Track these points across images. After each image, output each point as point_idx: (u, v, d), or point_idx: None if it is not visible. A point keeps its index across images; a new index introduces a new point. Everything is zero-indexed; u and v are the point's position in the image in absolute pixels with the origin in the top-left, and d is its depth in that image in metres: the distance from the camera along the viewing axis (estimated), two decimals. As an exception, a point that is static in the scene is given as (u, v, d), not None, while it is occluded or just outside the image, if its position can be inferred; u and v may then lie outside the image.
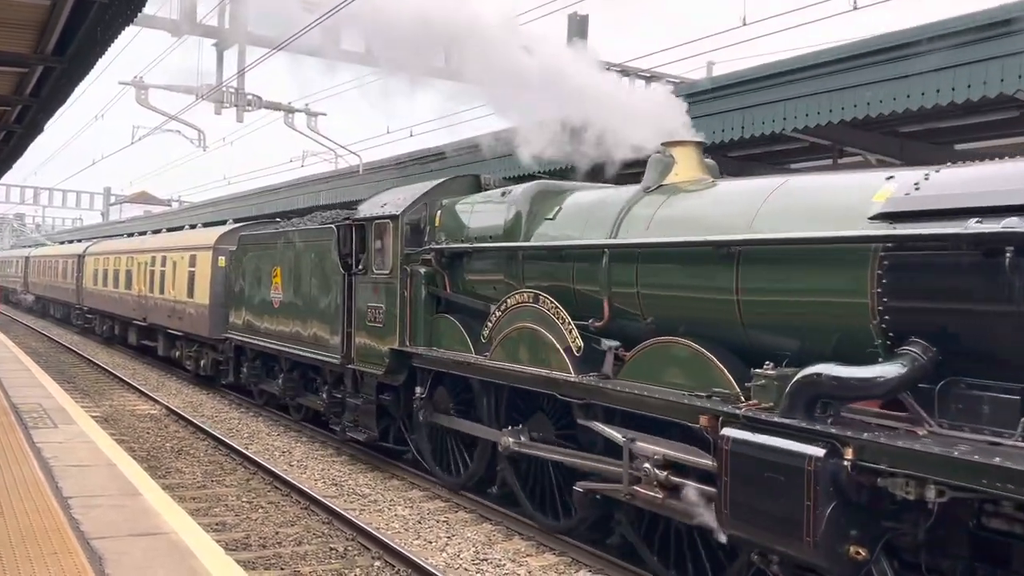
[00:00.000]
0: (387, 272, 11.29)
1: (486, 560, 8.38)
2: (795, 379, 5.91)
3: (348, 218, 12.71)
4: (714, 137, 10.69)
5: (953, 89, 8.59)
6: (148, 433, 14.57)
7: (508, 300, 9.18)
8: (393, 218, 11.18)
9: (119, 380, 20.92)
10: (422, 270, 10.90)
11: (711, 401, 6.61)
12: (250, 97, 22.67)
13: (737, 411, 6.24)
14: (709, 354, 6.92)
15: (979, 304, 5.37)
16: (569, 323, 8.29)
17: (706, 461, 6.65)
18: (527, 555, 8.60)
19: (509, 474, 9.48)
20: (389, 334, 11.18)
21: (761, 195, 7.08)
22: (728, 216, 7.13)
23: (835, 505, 5.50)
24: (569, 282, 8.67)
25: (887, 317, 5.80)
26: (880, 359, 5.80)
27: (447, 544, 8.86)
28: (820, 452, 5.56)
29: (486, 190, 11.37)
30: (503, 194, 9.91)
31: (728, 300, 6.94)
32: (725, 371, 6.77)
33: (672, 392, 7.00)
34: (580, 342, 8.14)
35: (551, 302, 8.54)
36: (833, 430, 5.62)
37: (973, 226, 5.27)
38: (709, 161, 8.57)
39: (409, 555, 8.12)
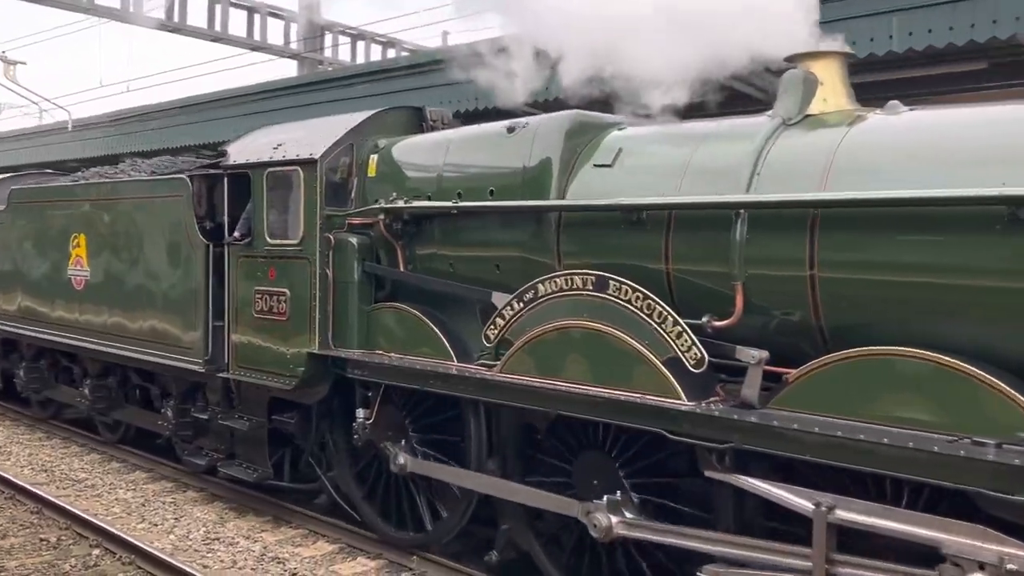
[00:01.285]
0: (295, 243, 7.82)
1: (218, 539, 8.11)
2: None
3: (213, 165, 8.99)
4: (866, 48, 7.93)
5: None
6: None
7: (540, 286, 6.14)
8: (307, 164, 7.70)
9: None
10: (354, 240, 7.58)
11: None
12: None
13: None
14: (983, 374, 4.37)
15: None
16: (675, 322, 5.42)
17: None
18: (262, 530, 8.34)
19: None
20: (298, 331, 7.76)
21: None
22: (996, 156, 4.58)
23: None
24: (658, 260, 5.79)
25: None
26: None
27: (175, 526, 8.53)
28: None
29: (434, 129, 8.19)
30: (510, 130, 6.78)
31: (989, 288, 4.43)
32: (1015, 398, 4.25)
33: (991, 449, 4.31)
34: (700, 352, 5.32)
35: (635, 290, 5.63)
36: None
37: None
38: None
39: (131, 540, 7.73)
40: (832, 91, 5.63)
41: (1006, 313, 4.48)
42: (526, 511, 6.55)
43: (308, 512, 8.53)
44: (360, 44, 25.81)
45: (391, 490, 7.65)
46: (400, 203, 7.24)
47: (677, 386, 5.35)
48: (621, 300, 5.68)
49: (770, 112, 5.75)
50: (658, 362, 5.44)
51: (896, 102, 5.35)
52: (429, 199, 7.15)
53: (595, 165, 6.22)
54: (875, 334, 4.85)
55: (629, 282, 5.65)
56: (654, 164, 6.02)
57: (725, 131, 5.87)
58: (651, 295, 5.55)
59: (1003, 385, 4.32)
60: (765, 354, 5.15)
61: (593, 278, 5.84)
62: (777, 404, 5.07)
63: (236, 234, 8.54)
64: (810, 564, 4.78)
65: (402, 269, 7.44)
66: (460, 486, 6.95)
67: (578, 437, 6.21)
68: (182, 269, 9.22)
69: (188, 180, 9.15)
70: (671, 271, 5.71)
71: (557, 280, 6.04)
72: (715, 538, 5.30)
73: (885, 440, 4.46)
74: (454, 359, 6.82)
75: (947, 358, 4.48)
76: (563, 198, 6.29)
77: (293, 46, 25.02)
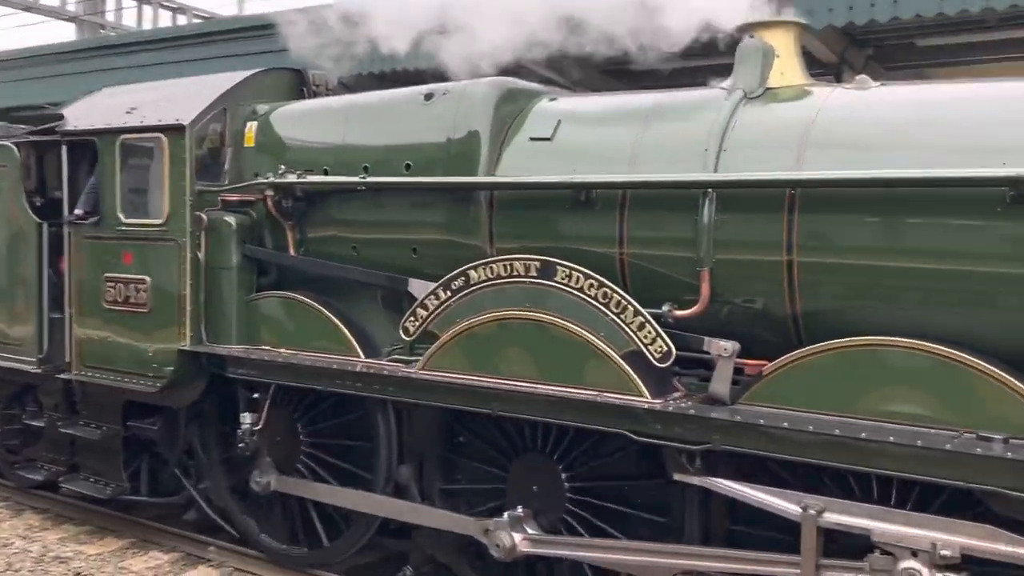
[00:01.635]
0: (159, 223, 6.75)
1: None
2: None
3: (47, 131, 7.66)
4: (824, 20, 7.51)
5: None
6: None
7: (471, 273, 5.49)
8: (173, 131, 6.63)
9: None
10: (232, 220, 6.63)
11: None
12: None
13: None
14: (986, 366, 4.15)
15: None
16: (636, 312, 4.93)
17: None
18: (42, 529, 7.80)
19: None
20: (164, 325, 6.72)
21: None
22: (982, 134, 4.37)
23: None
24: (610, 245, 5.26)
25: None
26: None
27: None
28: None
29: (317, 94, 7.32)
30: (427, 97, 6.02)
31: (998, 274, 4.22)
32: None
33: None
34: (666, 345, 4.86)
35: (588, 276, 5.09)
36: None
37: None
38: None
39: None
40: (788, 64, 5.29)
41: (1005, 300, 4.27)
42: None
43: (171, 530, 7.53)
44: (147, 8, 23.93)
45: (277, 503, 6.79)
46: (291, 177, 6.35)
47: (639, 382, 4.87)
48: (571, 288, 5.13)
49: (723, 84, 5.35)
50: (616, 356, 4.94)
51: (865, 77, 5.06)
52: (326, 173, 6.31)
53: (532, 139, 5.61)
54: (858, 323, 4.56)
55: (581, 268, 5.11)
56: (601, 139, 5.47)
57: (679, 104, 5.41)
58: (607, 283, 5.03)
59: (1008, 377, 4.11)
60: (738, 346, 4.76)
61: (538, 264, 5.25)
62: (749, 400, 4.69)
63: (78, 212, 7.33)
64: (797, 571, 4.45)
65: (292, 253, 6.56)
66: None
67: (512, 440, 5.63)
68: (7, 252, 7.86)
69: (15, 148, 7.78)
70: (625, 256, 5.21)
71: (493, 266, 5.40)
72: (664, 550, 4.88)
73: (891, 438, 4.16)
74: (360, 354, 6.05)
75: (946, 349, 4.23)
76: (494, 174, 5.65)
77: (71, 8, 22.98)
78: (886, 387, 4.36)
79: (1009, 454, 3.92)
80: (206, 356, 6.64)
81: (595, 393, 4.96)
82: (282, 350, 6.39)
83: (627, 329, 4.95)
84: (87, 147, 7.24)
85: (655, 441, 4.83)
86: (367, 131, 6.23)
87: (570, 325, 5.07)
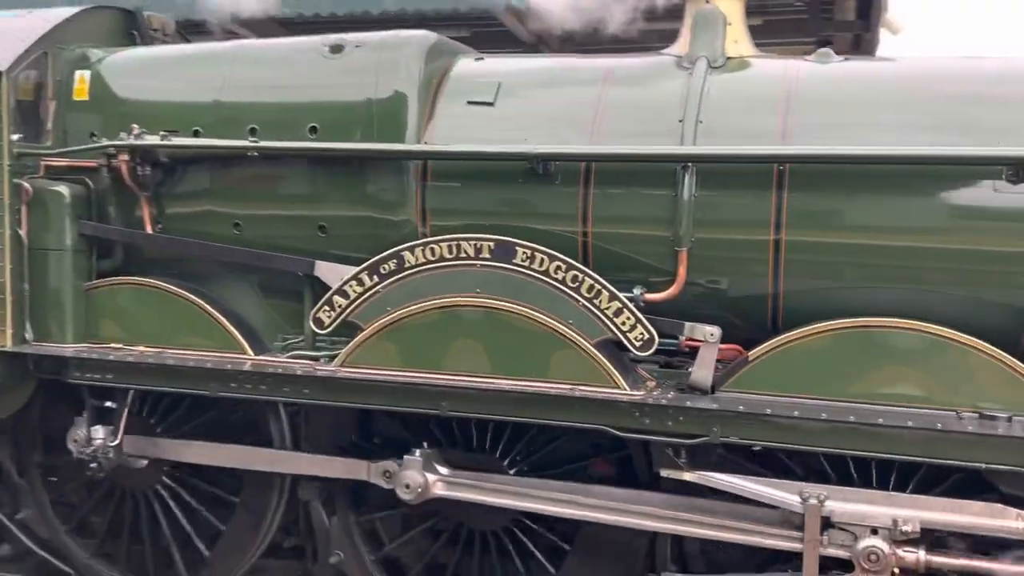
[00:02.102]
0: (-44, 192, 5.35)
1: None
2: None
3: None
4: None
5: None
6: None
7: (407, 255, 4.77)
8: (-19, 77, 5.25)
9: None
10: (65, 190, 5.38)
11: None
12: None
13: None
14: (983, 344, 4.17)
15: None
16: (612, 297, 4.50)
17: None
18: None
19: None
20: None
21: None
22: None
23: None
24: (571, 223, 4.75)
25: None
26: None
27: None
28: None
29: (156, 41, 6.14)
30: (335, 50, 5.12)
31: (997, 253, 4.26)
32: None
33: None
34: (648, 332, 4.47)
35: (554, 258, 4.57)
36: None
37: None
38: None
39: None
40: (740, 33, 5.06)
41: (999, 279, 4.31)
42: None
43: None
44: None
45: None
46: (152, 138, 5.23)
47: (616, 373, 4.46)
48: (535, 271, 4.60)
49: (673, 51, 5.01)
50: (589, 345, 4.49)
51: (828, 50, 4.93)
52: (197, 135, 5.26)
53: (470, 102, 4.96)
54: (847, 303, 4.44)
55: (544, 248, 4.59)
56: (552, 105, 4.94)
57: (636, 71, 4.99)
58: (577, 264, 4.55)
59: (1002, 354, 4.15)
60: (716, 329, 4.48)
61: (491, 244, 4.65)
62: (734, 387, 4.44)
63: None
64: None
65: (149, 230, 5.44)
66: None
67: (444, 439, 5.03)
68: None
69: None
70: (589, 235, 4.74)
71: (435, 247, 4.73)
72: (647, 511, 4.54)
73: (909, 423, 4.07)
74: (249, 351, 5.14)
75: (943, 329, 4.20)
76: (425, 141, 4.94)
77: None
78: (880, 368, 4.28)
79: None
80: (34, 358, 5.36)
81: (570, 387, 4.49)
82: (141, 348, 5.29)
83: (602, 316, 4.51)
84: None
85: (640, 437, 4.44)
86: (254, 86, 5.25)
87: (532, 313, 4.54)
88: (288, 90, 5.18)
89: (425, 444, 4.94)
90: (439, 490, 4.81)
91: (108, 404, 5.36)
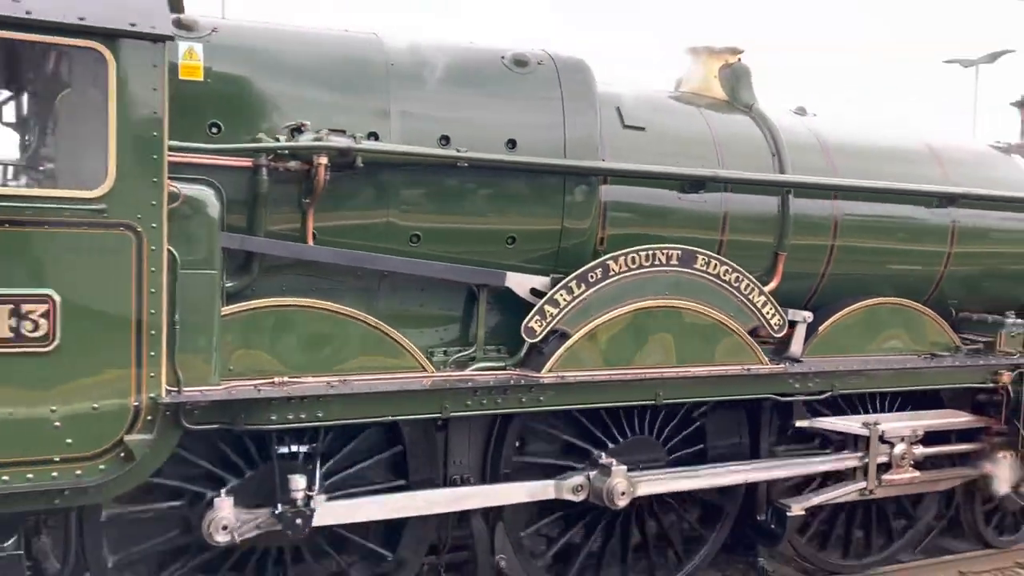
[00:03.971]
0: (92, 195, 3.91)
1: None
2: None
3: None
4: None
5: None
6: None
7: (611, 264, 5.21)
8: (135, 40, 3.91)
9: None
10: (211, 196, 4.34)
11: (1007, 358, 6.50)
12: None
13: (1046, 360, 6.58)
14: (928, 311, 6.53)
15: None
16: (760, 292, 5.70)
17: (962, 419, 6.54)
18: None
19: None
20: (92, 370, 3.97)
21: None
22: (919, 163, 6.65)
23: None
24: (715, 231, 5.71)
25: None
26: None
27: None
28: None
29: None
30: (521, 64, 5.03)
31: (940, 253, 6.63)
32: (946, 327, 6.61)
33: (949, 358, 6.33)
34: (782, 317, 5.78)
35: (723, 263, 5.56)
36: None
37: None
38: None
39: None
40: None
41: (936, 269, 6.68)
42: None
43: None
44: None
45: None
46: (333, 139, 4.56)
47: (761, 353, 5.72)
48: (709, 274, 5.53)
49: (725, 99, 6.28)
50: (742, 332, 5.65)
51: (803, 107, 6.71)
52: (376, 138, 4.75)
53: (627, 126, 5.51)
54: (858, 291, 6.37)
55: (716, 255, 5.56)
56: (679, 134, 5.77)
57: (717, 109, 6.11)
58: (739, 268, 5.63)
59: (934, 317, 6.55)
60: (808, 314, 6.03)
61: (678, 252, 5.43)
62: (813, 353, 6.06)
63: None
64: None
65: (311, 243, 4.69)
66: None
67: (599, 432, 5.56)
68: None
69: None
70: (725, 241, 5.79)
71: (636, 256, 5.30)
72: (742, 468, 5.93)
73: (933, 364, 6.21)
74: (430, 368, 4.94)
75: (910, 302, 6.44)
76: (604, 159, 5.35)
77: None
78: (882, 331, 6.33)
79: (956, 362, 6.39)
80: (185, 407, 4.24)
81: (744, 367, 5.58)
82: (309, 379, 4.60)
83: (753, 307, 5.69)
84: None
85: (791, 398, 5.77)
86: (431, 94, 4.92)
87: (706, 309, 5.50)
88: (481, 101, 5.03)
89: (602, 453, 5.40)
90: (643, 490, 5.40)
91: (298, 450, 4.53)
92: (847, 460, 6.15)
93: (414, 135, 4.85)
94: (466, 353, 5.19)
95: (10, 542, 4.10)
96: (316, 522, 4.54)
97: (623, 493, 5.27)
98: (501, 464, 5.26)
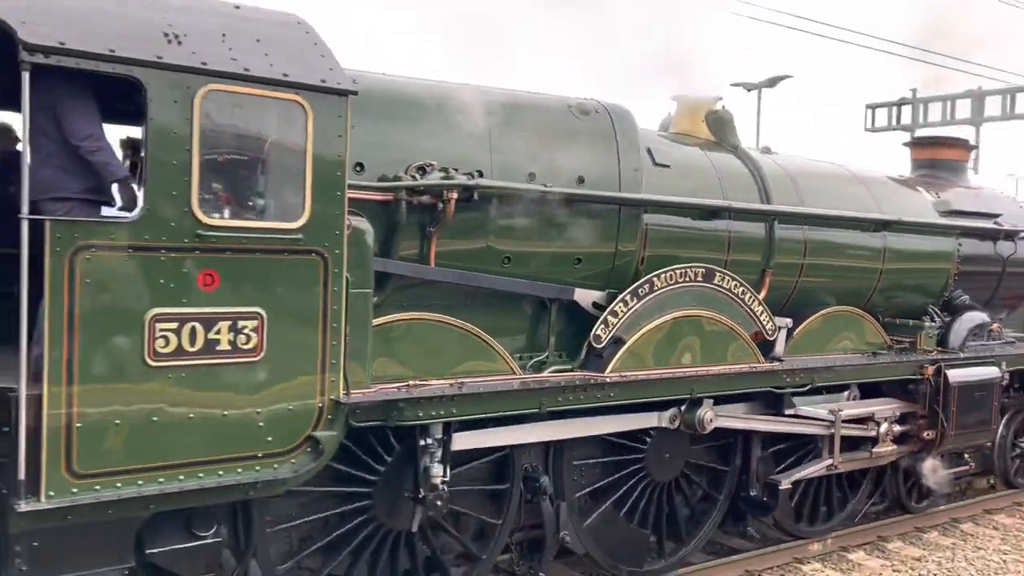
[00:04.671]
0: (292, 226, 4.57)
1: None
2: (975, 326, 8.39)
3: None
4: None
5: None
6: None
7: (656, 280, 6.25)
8: (327, 97, 4.60)
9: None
10: (367, 226, 5.06)
11: (929, 354, 7.98)
12: None
13: (958, 357, 8.11)
14: (868, 316, 7.95)
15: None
16: (759, 302, 6.89)
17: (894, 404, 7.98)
18: None
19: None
20: (289, 375, 4.63)
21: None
22: (857, 193, 8.07)
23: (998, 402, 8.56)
24: (722, 252, 6.84)
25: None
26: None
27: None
28: (998, 371, 8.46)
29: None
30: (583, 112, 5.97)
31: (875, 269, 8.05)
32: (880, 329, 8.05)
33: (887, 356, 7.75)
34: (773, 323, 6.99)
35: (733, 278, 6.70)
36: (999, 352, 8.58)
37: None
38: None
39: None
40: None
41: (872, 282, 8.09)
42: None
43: None
44: None
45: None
46: (459, 177, 5.39)
47: (760, 354, 6.91)
48: (723, 288, 6.67)
49: (715, 140, 7.47)
50: (745, 336, 6.82)
51: (767, 146, 7.99)
52: (480, 175, 5.58)
53: (656, 164, 6.56)
54: (815, 300, 7.69)
55: (728, 272, 6.70)
56: (695, 171, 6.88)
57: (713, 149, 7.27)
58: (744, 283, 6.80)
59: (873, 321, 7.99)
60: (789, 320, 7.26)
61: (703, 270, 6.54)
62: (789, 353, 7.32)
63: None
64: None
65: (432, 264, 5.46)
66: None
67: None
68: None
69: None
70: (729, 260, 6.93)
71: (672, 273, 6.36)
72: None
73: (882, 361, 7.60)
74: (517, 370, 5.83)
75: (857, 310, 7.85)
76: (642, 192, 6.37)
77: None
78: (836, 333, 7.70)
79: (895, 359, 7.84)
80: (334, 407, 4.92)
81: (749, 366, 6.74)
82: (434, 381, 5.39)
83: (755, 315, 6.87)
84: (84, 82, 4.06)
85: (781, 390, 6.97)
86: (520, 137, 5.80)
87: (718, 316, 6.63)
88: (557, 144, 5.94)
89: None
90: (719, 423, 6.54)
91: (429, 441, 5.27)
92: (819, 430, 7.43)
93: (509, 172, 5.73)
94: (539, 358, 6.07)
95: (211, 531, 4.65)
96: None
97: (711, 420, 6.39)
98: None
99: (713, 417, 6.44)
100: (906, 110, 13.85)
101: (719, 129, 7.56)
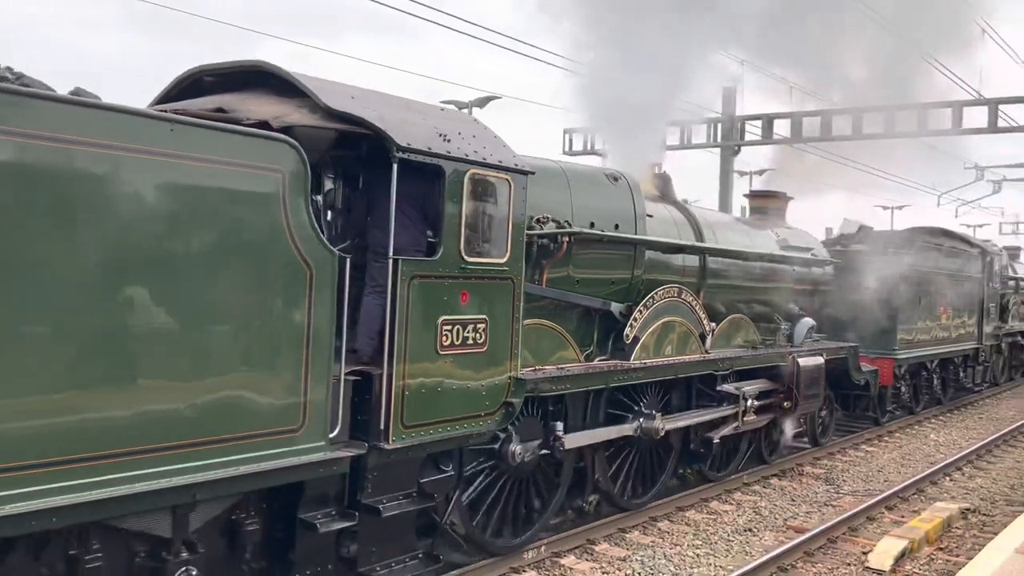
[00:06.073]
0: (501, 261, 6.93)
1: None
2: (807, 328, 11.96)
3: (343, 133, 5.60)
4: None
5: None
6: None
7: (656, 295, 9.06)
8: (519, 175, 7.01)
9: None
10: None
11: (784, 348, 11.38)
12: None
13: (800, 349, 11.60)
14: (749, 320, 11.26)
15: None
16: (703, 309, 9.91)
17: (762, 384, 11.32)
18: None
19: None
20: (497, 361, 7.00)
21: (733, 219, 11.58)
22: (742, 234, 11.35)
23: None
24: (681, 275, 9.76)
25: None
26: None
27: None
28: (823, 360, 12.09)
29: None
30: (614, 179, 8.66)
31: (761, 287, 11.38)
32: (755, 331, 11.39)
33: (769, 348, 11.08)
34: (712, 326, 10.03)
35: (690, 294, 9.66)
36: (822, 346, 12.22)
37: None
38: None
39: None
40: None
41: (755, 295, 11.39)
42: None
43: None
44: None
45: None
46: (564, 226, 7.94)
47: (702, 346, 9.95)
48: (685, 301, 9.62)
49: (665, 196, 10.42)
50: (697, 335, 9.83)
51: (687, 199, 11.06)
52: (562, 226, 8.10)
53: (646, 215, 9.38)
54: (718, 310, 10.87)
55: (686, 288, 9.67)
56: (664, 219, 9.76)
57: (665, 202, 10.19)
58: (696, 297, 9.80)
59: (754, 325, 11.32)
60: (714, 324, 10.36)
61: (676, 288, 9.45)
62: (711, 348, 10.44)
63: (413, 247, 6.37)
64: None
65: (544, 286, 7.92)
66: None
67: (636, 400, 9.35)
68: (253, 295, 5.38)
69: (296, 150, 5.43)
70: (684, 282, 9.88)
71: (663, 291, 9.22)
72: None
73: (768, 352, 10.90)
74: (578, 356, 8.45)
75: (744, 316, 11.13)
76: (640, 235, 9.17)
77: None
78: (737, 333, 10.93)
79: (785, 350, 11.22)
80: (516, 382, 7.29)
81: (700, 357, 9.74)
82: (540, 366, 7.88)
83: (702, 319, 9.89)
84: (410, 170, 6.21)
85: (718, 373, 10.01)
86: (586, 196, 8.39)
87: (684, 320, 9.59)
88: (602, 201, 8.58)
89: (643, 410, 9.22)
90: (667, 426, 9.27)
91: (551, 408, 7.71)
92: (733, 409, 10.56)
93: (580, 220, 8.31)
94: (588, 351, 8.66)
95: (450, 466, 6.83)
96: (568, 444, 7.79)
97: (659, 430, 9.13)
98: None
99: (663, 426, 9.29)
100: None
101: (662, 187, 10.55)
